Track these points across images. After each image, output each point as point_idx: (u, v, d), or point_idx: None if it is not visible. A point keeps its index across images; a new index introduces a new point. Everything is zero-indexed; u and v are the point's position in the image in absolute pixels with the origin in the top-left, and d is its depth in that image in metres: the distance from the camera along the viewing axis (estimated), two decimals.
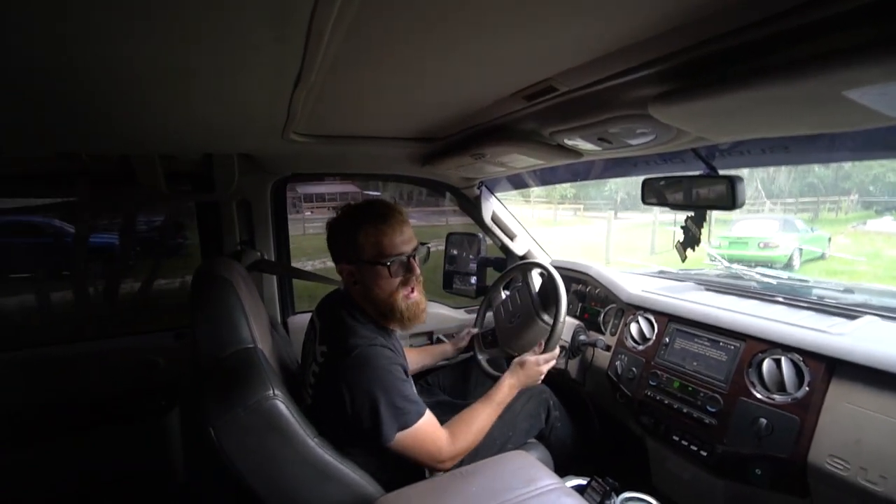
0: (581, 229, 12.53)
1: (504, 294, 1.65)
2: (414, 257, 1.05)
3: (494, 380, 1.46)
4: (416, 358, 1.51)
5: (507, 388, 1.18)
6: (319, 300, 1.21)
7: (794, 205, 11.11)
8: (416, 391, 1.06)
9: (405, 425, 0.96)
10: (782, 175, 10.68)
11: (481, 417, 1.10)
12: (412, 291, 1.06)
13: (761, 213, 10.13)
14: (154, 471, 1.55)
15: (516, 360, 1.25)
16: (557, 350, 1.28)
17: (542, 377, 1.25)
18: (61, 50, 0.48)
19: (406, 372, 1.03)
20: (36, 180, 1.46)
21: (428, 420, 1.00)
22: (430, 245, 1.09)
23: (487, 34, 0.54)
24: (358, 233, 1.01)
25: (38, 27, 0.42)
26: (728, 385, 1.08)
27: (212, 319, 1.00)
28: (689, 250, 1.15)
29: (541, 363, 1.23)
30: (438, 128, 1.16)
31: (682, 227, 1.17)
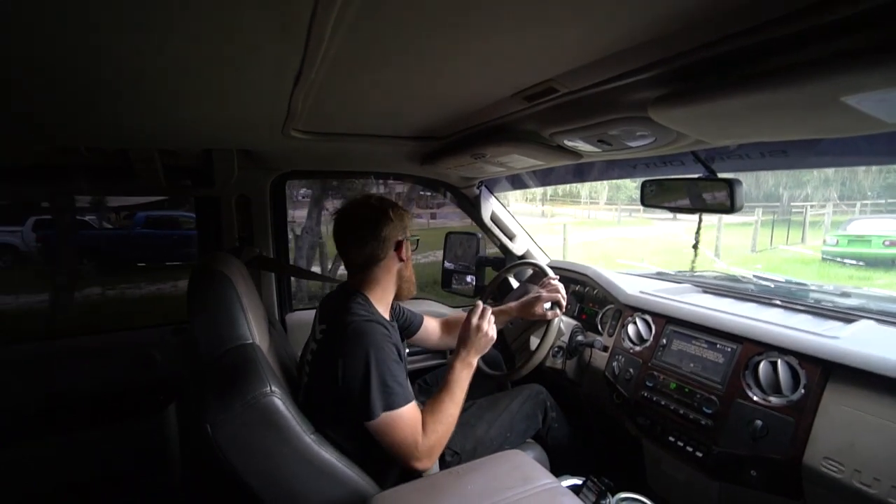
0: (646, 230, 12.79)
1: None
2: None
3: (492, 378, 1.47)
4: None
5: (457, 367, 1.10)
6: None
7: (883, 205, 11.17)
8: (407, 378, 1.06)
9: (392, 406, 0.95)
10: (869, 176, 10.75)
11: (444, 407, 1.05)
12: None
13: (858, 214, 10.31)
14: (152, 467, 1.55)
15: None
16: (481, 304, 1.16)
17: (490, 333, 1.13)
18: (62, 45, 0.48)
19: (400, 354, 1.05)
20: (33, 173, 1.46)
21: (412, 408, 1.00)
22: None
23: (488, 35, 0.54)
24: (393, 217, 1.11)
25: (40, 24, 0.42)
26: (724, 387, 1.09)
27: (210, 315, 1.00)
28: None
29: (473, 321, 1.13)
30: (439, 127, 1.16)
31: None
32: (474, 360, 1.13)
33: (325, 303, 1.20)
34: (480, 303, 1.17)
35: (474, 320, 1.13)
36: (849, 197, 11.48)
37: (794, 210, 11.62)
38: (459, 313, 1.54)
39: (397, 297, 1.18)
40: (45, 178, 1.57)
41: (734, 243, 9.69)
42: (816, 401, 0.93)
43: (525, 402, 1.36)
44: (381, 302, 1.12)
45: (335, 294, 1.18)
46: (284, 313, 1.75)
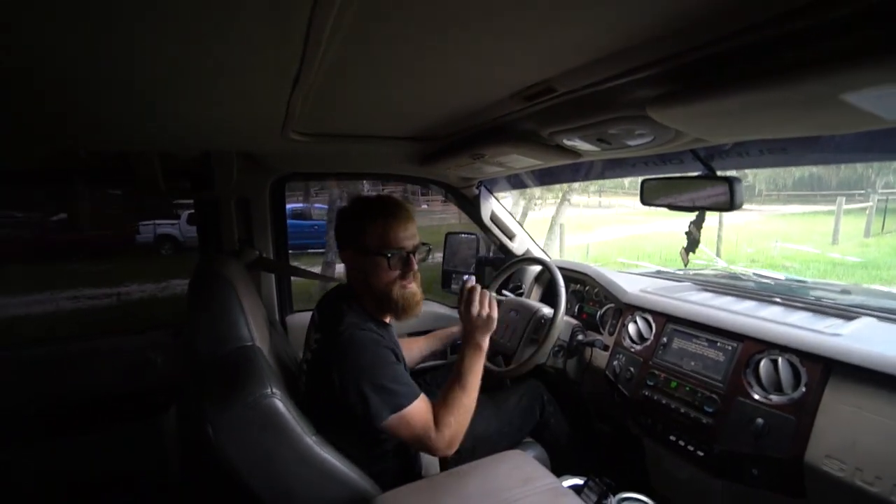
0: (716, 218, 12.76)
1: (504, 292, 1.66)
2: (414, 254, 1.07)
3: (495, 376, 1.47)
4: (423, 345, 1.51)
5: (466, 353, 1.09)
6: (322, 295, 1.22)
7: None
8: (408, 375, 1.05)
9: (398, 407, 0.95)
10: None
11: (455, 397, 1.05)
12: (409, 283, 1.08)
13: None
14: (151, 469, 1.55)
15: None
16: (470, 284, 1.14)
17: (491, 313, 1.09)
18: (61, 48, 0.48)
19: (398, 356, 1.04)
20: (32, 176, 1.46)
21: (421, 403, 1.00)
22: (430, 246, 1.12)
23: (487, 35, 0.54)
24: (367, 222, 1.04)
25: (38, 25, 0.42)
26: (725, 385, 1.09)
27: (210, 317, 1.01)
28: (691, 254, 1.15)
29: (473, 309, 1.09)
30: (437, 128, 1.15)
31: (685, 233, 1.17)
32: (484, 342, 1.09)
33: (321, 305, 1.18)
34: (471, 281, 1.14)
35: (474, 308, 1.09)
36: None
37: (880, 199, 11.21)
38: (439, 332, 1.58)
39: (388, 314, 1.12)
40: (45, 182, 1.57)
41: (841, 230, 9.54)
42: (818, 399, 0.93)
43: (522, 398, 1.37)
44: (373, 301, 1.09)
45: (331, 296, 1.16)
46: (285, 314, 1.76)
